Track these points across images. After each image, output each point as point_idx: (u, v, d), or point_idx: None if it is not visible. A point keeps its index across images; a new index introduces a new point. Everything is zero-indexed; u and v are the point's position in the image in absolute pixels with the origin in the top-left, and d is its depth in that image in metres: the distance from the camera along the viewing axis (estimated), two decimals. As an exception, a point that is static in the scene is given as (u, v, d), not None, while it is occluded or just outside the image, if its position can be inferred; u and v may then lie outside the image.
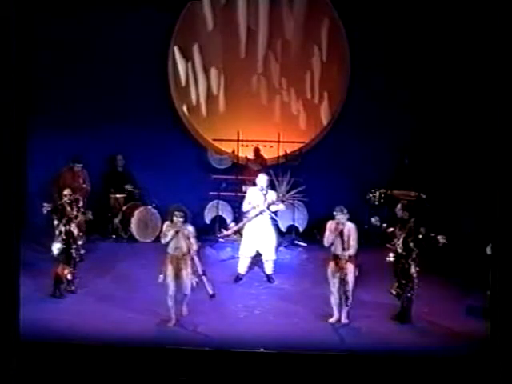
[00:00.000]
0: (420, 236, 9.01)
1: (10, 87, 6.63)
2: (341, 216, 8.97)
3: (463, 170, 12.71)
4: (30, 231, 11.71)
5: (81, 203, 10.37)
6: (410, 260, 9.03)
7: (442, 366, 7.91)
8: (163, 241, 8.97)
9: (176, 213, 8.84)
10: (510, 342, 6.64)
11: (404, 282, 9.06)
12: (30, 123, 12.47)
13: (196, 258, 8.90)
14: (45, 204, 9.83)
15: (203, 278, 8.90)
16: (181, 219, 8.82)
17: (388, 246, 9.29)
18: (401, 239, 9.07)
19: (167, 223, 8.99)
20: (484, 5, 10.53)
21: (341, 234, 8.94)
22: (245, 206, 10.72)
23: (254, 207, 10.57)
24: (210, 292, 8.91)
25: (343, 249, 8.94)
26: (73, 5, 12.67)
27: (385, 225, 9.37)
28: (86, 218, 10.26)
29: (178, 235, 8.83)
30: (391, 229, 9.23)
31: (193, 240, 8.87)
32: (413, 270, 9.04)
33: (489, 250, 8.96)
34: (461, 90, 12.70)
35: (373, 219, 9.50)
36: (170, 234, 8.85)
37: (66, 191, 9.89)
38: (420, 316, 9.26)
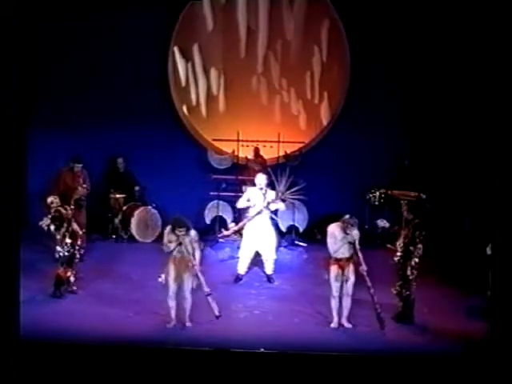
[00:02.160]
0: (420, 238, 9.03)
1: (9, 87, 6.63)
2: (354, 232, 8.92)
3: (463, 170, 12.71)
4: (30, 232, 11.70)
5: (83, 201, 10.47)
6: (407, 261, 9.06)
7: (442, 366, 7.91)
8: (166, 250, 8.85)
9: (177, 228, 8.67)
10: (510, 342, 6.64)
11: (401, 282, 9.10)
12: (30, 123, 12.47)
13: (200, 276, 8.77)
14: (42, 221, 9.72)
15: (208, 298, 8.76)
16: (182, 233, 8.72)
17: (388, 246, 9.30)
18: (401, 240, 9.11)
19: (169, 233, 8.79)
20: (484, 6, 10.53)
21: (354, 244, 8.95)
22: (240, 203, 10.67)
23: (251, 206, 10.57)
24: (216, 313, 8.77)
25: (353, 254, 8.94)
26: (73, 5, 12.67)
27: (396, 227, 9.38)
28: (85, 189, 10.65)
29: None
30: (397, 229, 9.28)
31: (195, 245, 8.79)
32: (409, 271, 9.05)
33: (489, 250, 8.97)
34: (461, 90, 12.70)
35: (381, 222, 9.48)
36: (172, 246, 8.78)
37: (49, 199, 9.84)
38: (420, 316, 9.26)
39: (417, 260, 9.03)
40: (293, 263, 11.89)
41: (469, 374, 7.72)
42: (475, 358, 7.88)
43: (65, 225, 9.71)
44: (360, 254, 8.91)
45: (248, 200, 10.60)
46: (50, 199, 9.84)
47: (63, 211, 9.78)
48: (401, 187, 12.21)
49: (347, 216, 8.91)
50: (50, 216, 9.71)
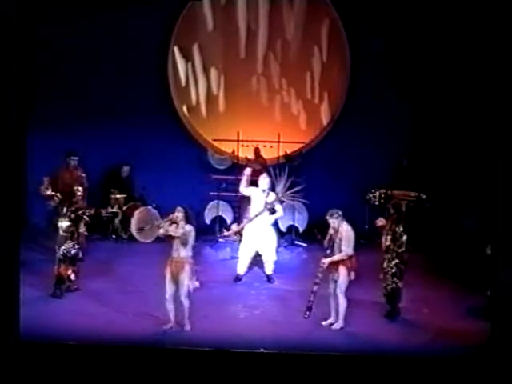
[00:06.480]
0: (397, 234, 9.06)
1: (10, 87, 6.64)
2: (331, 221, 8.94)
3: (463, 170, 12.71)
4: (30, 231, 11.71)
5: (80, 191, 10.44)
6: (385, 255, 9.11)
7: (442, 366, 7.91)
8: (160, 232, 8.85)
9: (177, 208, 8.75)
10: (510, 342, 6.64)
11: (381, 276, 9.17)
12: (30, 123, 12.47)
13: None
14: (61, 223, 9.75)
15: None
16: (180, 214, 8.69)
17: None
18: (384, 235, 9.17)
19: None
20: (485, 6, 10.52)
21: (331, 238, 8.95)
22: (242, 188, 10.69)
23: (251, 204, 10.60)
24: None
25: (338, 251, 8.95)
26: (73, 5, 12.67)
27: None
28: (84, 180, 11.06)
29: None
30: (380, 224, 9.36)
31: (182, 223, 8.66)
32: (385, 264, 9.09)
33: (489, 250, 8.98)
34: (460, 90, 12.70)
35: (380, 222, 9.49)
36: (168, 222, 8.75)
37: (79, 202, 9.96)
38: (420, 316, 9.27)
39: (394, 254, 9.07)
40: (292, 263, 11.90)
41: (469, 374, 7.72)
42: (475, 358, 7.88)
43: (79, 225, 9.81)
44: (342, 253, 8.86)
45: (249, 195, 10.62)
46: (79, 202, 9.95)
47: (81, 209, 9.87)
48: (400, 187, 12.22)
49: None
50: (69, 214, 9.74)
